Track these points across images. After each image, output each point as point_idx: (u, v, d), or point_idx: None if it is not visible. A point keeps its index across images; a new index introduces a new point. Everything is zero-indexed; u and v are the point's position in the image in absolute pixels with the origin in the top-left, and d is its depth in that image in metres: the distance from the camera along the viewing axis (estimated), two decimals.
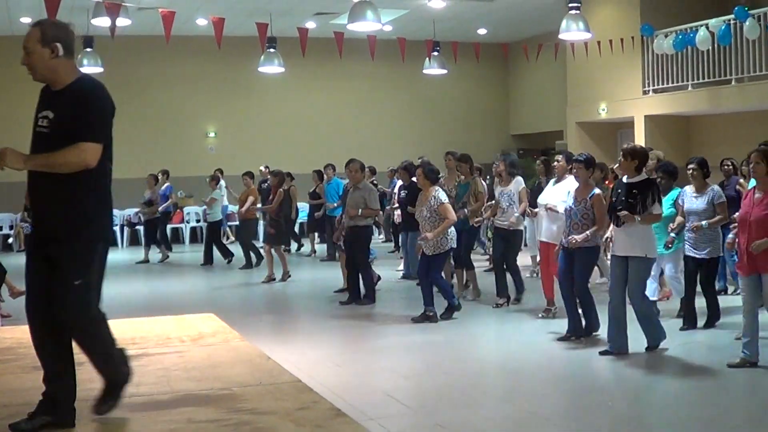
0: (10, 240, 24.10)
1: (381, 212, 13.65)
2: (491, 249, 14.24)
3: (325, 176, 20.03)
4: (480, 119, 29.85)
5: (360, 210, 13.16)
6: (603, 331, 9.86)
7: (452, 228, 11.75)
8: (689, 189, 10.67)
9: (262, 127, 27.26)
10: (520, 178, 12.71)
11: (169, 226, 22.45)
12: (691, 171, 10.67)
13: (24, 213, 23.30)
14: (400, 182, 15.72)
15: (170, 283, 17.03)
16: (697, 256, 10.42)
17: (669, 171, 11.21)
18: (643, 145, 19.57)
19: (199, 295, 14.99)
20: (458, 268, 13.71)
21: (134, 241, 24.04)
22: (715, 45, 18.52)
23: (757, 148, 8.86)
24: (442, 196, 11.70)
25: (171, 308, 12.64)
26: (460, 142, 25.84)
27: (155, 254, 20.45)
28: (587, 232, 9.74)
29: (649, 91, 20.81)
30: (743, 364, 8.59)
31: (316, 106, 27.92)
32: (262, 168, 22.17)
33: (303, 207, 22.27)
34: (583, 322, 10.25)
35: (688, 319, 10.60)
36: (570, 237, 9.84)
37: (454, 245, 11.96)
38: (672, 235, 10.68)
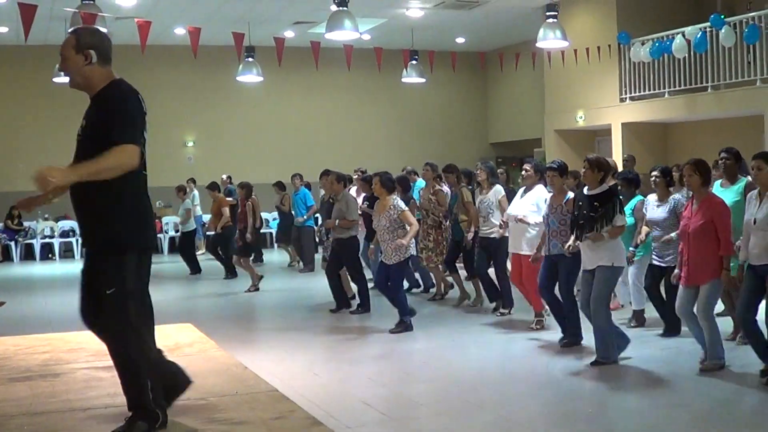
0: None
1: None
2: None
3: (292, 187, 19.91)
4: (458, 128, 29.90)
5: (336, 221, 13.12)
6: (587, 341, 9.84)
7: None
8: (652, 198, 10.59)
9: (240, 137, 27.22)
10: (499, 186, 12.60)
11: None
12: (653, 179, 10.59)
13: (7, 221, 23.22)
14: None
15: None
16: (662, 264, 10.29)
17: (629, 179, 11.21)
18: (620, 152, 19.85)
19: (177, 305, 14.92)
20: (453, 273, 13.77)
21: None
22: (692, 52, 18.60)
23: (689, 160, 8.86)
24: (401, 204, 11.63)
25: None
26: (438, 151, 25.93)
27: None
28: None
29: (626, 98, 20.87)
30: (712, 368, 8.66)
31: (295, 116, 27.91)
32: (223, 177, 22.13)
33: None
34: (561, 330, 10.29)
35: (671, 326, 10.52)
36: (567, 245, 9.63)
37: (414, 252, 11.88)
38: (632, 249, 10.66)
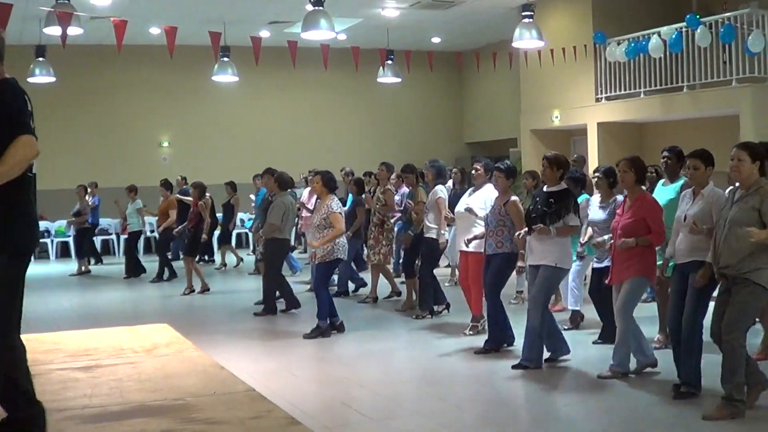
0: None
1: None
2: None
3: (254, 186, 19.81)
4: (434, 127, 29.92)
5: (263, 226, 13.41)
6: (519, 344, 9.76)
7: (343, 239, 11.49)
8: (596, 199, 10.45)
9: (216, 137, 27.12)
10: (440, 187, 12.45)
11: (122, 237, 22.31)
12: (595, 180, 10.52)
13: None
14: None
15: (114, 295, 16.76)
16: (601, 266, 10.15)
17: (575, 179, 11.18)
18: (596, 152, 19.92)
19: (150, 306, 14.87)
20: (409, 277, 13.47)
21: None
22: (667, 52, 18.66)
23: (625, 157, 8.79)
24: (335, 206, 11.45)
25: (122, 319, 12.53)
26: (414, 151, 25.96)
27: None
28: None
29: (601, 98, 20.92)
30: (616, 375, 8.53)
31: (271, 115, 27.86)
32: (178, 177, 22.04)
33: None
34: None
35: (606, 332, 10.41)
36: (516, 234, 9.55)
37: (343, 256, 11.62)
38: (579, 249, 10.57)
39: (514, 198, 10.10)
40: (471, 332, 11.03)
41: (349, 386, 8.78)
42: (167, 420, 6.57)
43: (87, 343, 9.95)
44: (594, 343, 10.25)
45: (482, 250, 10.34)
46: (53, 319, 12.99)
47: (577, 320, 11.29)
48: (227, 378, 8.31)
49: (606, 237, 9.32)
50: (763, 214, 6.96)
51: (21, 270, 5.76)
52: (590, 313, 10.96)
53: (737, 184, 7.34)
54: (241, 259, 20.98)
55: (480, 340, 10.35)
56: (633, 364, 8.68)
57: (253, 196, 19.42)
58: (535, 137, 23.24)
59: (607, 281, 8.87)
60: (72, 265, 21.06)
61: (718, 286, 7.39)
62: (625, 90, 20.28)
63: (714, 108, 18.28)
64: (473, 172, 11.24)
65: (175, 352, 9.80)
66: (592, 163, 18.82)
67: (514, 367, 9.04)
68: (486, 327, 10.72)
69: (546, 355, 9.27)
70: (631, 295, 8.49)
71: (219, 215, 21.15)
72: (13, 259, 5.69)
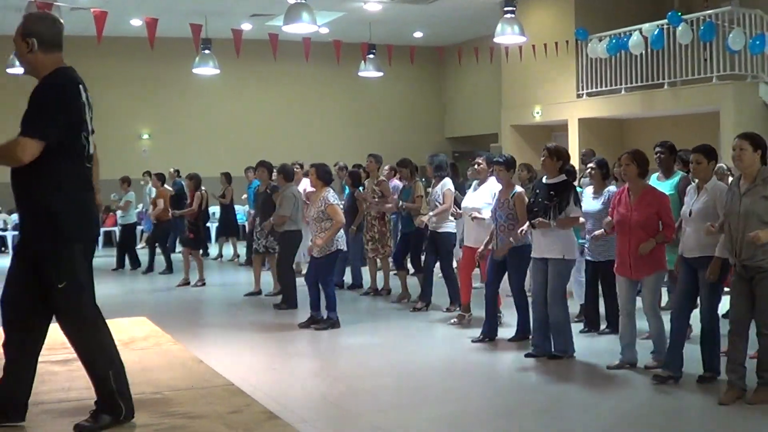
0: None
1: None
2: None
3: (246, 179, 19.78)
4: (416, 122, 29.93)
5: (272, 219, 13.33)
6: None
7: (341, 231, 11.54)
8: (588, 190, 10.60)
9: (196, 129, 27.05)
10: (447, 180, 12.49)
11: (102, 229, 22.17)
12: (590, 171, 10.64)
13: None
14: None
15: (99, 288, 16.65)
16: (594, 259, 10.29)
17: (566, 170, 11.22)
18: (577, 147, 19.93)
19: (127, 299, 14.80)
20: (399, 269, 13.64)
21: None
22: (649, 49, 18.71)
23: (627, 150, 8.86)
24: (331, 198, 11.43)
25: (106, 312, 12.46)
26: (395, 145, 25.95)
27: None
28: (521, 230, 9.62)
29: (583, 94, 20.96)
30: (623, 366, 8.74)
31: (252, 109, 27.81)
32: (171, 170, 21.99)
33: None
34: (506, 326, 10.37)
35: (590, 322, 10.59)
36: (519, 230, 9.64)
37: (343, 247, 11.66)
38: (580, 241, 10.53)
39: (519, 189, 10.17)
40: (456, 321, 11.18)
41: (330, 380, 8.78)
42: (145, 414, 6.53)
43: (64, 336, 9.90)
44: (581, 332, 10.42)
45: (482, 246, 10.47)
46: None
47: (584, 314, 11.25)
48: (206, 372, 8.28)
49: (599, 231, 9.36)
50: None
51: (81, 256, 6.02)
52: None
53: (738, 175, 7.55)
54: (238, 255, 20.87)
55: (471, 332, 10.59)
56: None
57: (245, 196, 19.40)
58: (516, 132, 23.27)
59: (619, 273, 8.79)
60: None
61: (732, 277, 7.61)
62: (606, 86, 20.33)
63: (694, 105, 18.34)
64: (475, 167, 11.35)
65: (153, 345, 9.76)
66: (573, 159, 18.83)
67: (549, 357, 9.21)
68: (470, 319, 11.11)
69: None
70: (656, 291, 8.74)
71: (212, 209, 21.14)
72: (86, 246, 6.06)
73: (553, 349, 9.29)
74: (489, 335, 10.26)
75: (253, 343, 10.61)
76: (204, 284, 15.94)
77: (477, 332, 10.49)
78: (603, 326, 10.56)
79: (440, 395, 8.05)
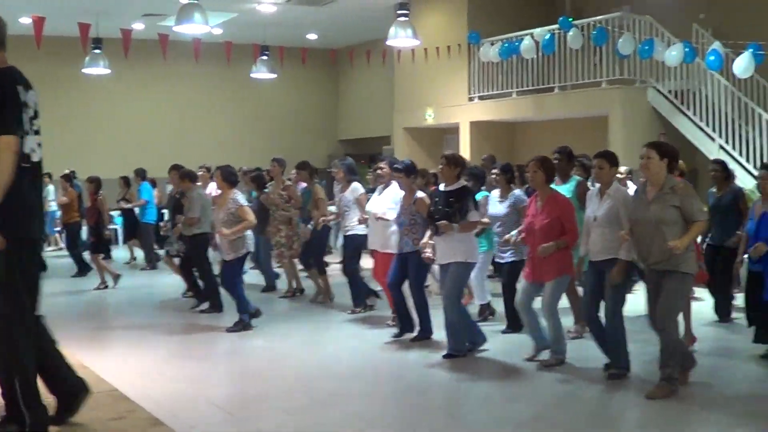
0: None
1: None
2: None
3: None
4: (308, 124, 29.88)
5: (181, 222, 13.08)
6: (438, 336, 9.98)
7: (249, 232, 11.54)
8: (495, 194, 10.84)
9: (87, 130, 26.54)
10: (357, 184, 12.49)
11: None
12: (494, 176, 10.91)
13: None
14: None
15: None
16: (501, 261, 10.60)
17: (475, 174, 11.36)
18: (469, 150, 20.10)
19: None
20: (308, 269, 13.74)
21: None
22: (540, 54, 18.94)
23: (534, 157, 9.06)
24: (241, 199, 11.48)
25: None
26: (288, 147, 25.84)
27: None
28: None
29: (475, 97, 21.14)
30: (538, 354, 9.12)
31: (144, 110, 27.42)
32: (66, 171, 21.60)
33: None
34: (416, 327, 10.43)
35: (512, 323, 10.72)
36: (422, 242, 9.77)
37: (251, 249, 11.76)
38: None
39: (420, 195, 10.26)
40: (395, 322, 11.07)
41: (217, 384, 8.71)
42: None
43: None
44: (503, 332, 10.58)
45: (392, 250, 10.61)
46: None
47: (485, 313, 11.45)
48: (91, 378, 8.09)
49: (513, 233, 9.60)
50: (684, 212, 7.46)
51: (25, 256, 5.93)
52: (499, 305, 11.19)
53: (642, 180, 7.92)
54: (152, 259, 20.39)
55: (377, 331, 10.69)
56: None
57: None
58: (409, 135, 23.38)
59: (523, 277, 9.11)
60: None
61: (646, 281, 8.02)
62: (498, 90, 20.54)
63: (584, 109, 18.64)
64: (378, 171, 11.45)
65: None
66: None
67: (444, 356, 9.33)
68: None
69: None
70: (557, 293, 8.91)
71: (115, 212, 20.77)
72: (14, 246, 5.83)
73: (447, 348, 9.41)
74: (407, 332, 10.46)
75: (144, 347, 10.43)
76: (106, 287, 15.60)
77: (385, 332, 10.75)
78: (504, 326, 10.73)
79: (334, 398, 8.01)
